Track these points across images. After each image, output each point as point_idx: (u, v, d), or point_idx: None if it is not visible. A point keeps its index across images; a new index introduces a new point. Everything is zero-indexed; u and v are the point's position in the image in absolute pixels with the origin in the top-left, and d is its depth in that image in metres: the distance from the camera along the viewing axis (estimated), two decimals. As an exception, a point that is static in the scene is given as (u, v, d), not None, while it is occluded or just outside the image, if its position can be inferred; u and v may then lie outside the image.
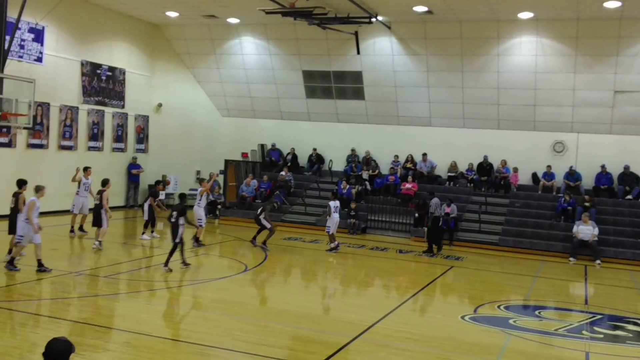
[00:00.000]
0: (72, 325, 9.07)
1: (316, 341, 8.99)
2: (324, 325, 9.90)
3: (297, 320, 10.22)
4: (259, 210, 17.33)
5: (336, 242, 17.37)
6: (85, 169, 17.41)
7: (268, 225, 17.02)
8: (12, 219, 12.95)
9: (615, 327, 11.22)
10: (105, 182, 15.75)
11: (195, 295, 11.74)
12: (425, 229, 19.04)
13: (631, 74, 20.25)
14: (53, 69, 20.88)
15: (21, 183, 13.27)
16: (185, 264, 13.44)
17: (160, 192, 24.20)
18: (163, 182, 20.03)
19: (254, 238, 17.24)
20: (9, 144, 19.56)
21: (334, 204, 17.43)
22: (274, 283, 13.85)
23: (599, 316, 11.71)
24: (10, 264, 12.15)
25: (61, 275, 12.14)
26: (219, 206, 23.32)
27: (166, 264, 13.11)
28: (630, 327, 11.11)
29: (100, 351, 7.94)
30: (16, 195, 13.04)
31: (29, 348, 7.93)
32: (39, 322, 9.29)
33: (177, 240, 13.19)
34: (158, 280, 12.80)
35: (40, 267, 12.13)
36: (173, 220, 13.26)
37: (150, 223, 17.44)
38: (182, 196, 14.46)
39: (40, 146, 20.76)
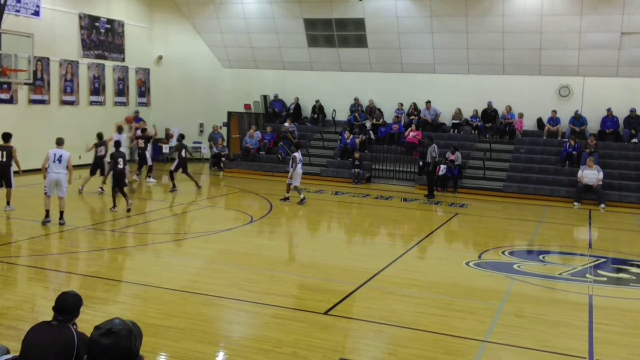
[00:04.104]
0: (82, 279, 9.21)
1: (323, 289, 9.11)
2: (330, 274, 10.01)
3: (303, 270, 10.35)
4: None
5: (302, 195, 16.56)
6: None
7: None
8: (5, 172, 13.40)
9: (619, 270, 11.33)
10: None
11: (202, 247, 11.85)
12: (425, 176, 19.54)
13: (639, 15, 19.83)
14: (51, 22, 20.57)
15: (7, 136, 13.63)
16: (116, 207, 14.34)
17: (164, 145, 24.34)
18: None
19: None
20: (10, 100, 19.46)
21: (299, 155, 16.85)
22: (280, 233, 13.97)
23: (602, 259, 11.80)
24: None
25: (69, 230, 12.26)
26: (223, 158, 23.35)
27: (115, 205, 14.27)
28: (634, 269, 11.21)
29: (110, 303, 8.07)
30: (8, 149, 13.28)
31: (40, 302, 8.08)
32: (49, 276, 9.42)
33: (126, 184, 14.52)
34: (165, 232, 12.93)
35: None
36: (120, 167, 14.05)
37: (139, 167, 18.65)
38: (118, 144, 15.00)
39: (42, 102, 20.65)
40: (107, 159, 16.56)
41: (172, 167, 17.94)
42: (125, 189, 14.52)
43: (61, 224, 12.43)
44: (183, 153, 18.05)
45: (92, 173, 16.94)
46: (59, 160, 12.52)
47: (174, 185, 17.68)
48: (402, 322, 7.71)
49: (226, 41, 25.46)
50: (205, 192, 18.56)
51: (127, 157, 17.77)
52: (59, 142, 12.96)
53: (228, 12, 24.67)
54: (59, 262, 10.27)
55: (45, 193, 12.59)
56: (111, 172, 14.51)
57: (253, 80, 25.55)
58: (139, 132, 19.89)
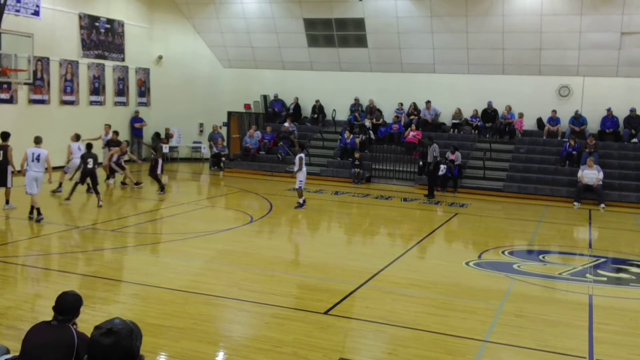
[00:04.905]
0: (82, 279, 9.20)
1: (323, 289, 9.10)
2: (330, 274, 10.01)
3: (303, 270, 10.35)
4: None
5: (303, 198, 16.12)
6: None
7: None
8: (2, 171, 13.39)
9: (619, 270, 11.34)
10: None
11: (202, 247, 11.85)
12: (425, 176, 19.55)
13: (639, 15, 19.83)
14: (51, 22, 20.57)
15: (6, 135, 13.64)
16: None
17: (164, 145, 24.30)
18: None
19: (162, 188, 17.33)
20: (10, 100, 19.45)
21: (304, 156, 16.56)
22: (280, 233, 13.97)
23: (602, 259, 11.80)
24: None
25: (68, 229, 12.26)
26: (223, 158, 23.35)
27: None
28: (634, 269, 11.21)
29: (110, 303, 8.07)
30: (4, 148, 13.29)
31: (40, 302, 8.08)
32: (49, 276, 9.42)
33: (98, 183, 15.01)
34: (164, 232, 12.92)
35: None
36: (90, 166, 14.65)
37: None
38: (89, 146, 15.23)
39: (42, 101, 20.65)
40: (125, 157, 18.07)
41: (158, 169, 17.17)
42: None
43: (39, 221, 12.58)
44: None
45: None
46: (37, 159, 12.89)
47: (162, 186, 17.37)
48: (402, 322, 7.71)
49: (226, 41, 25.46)
50: (205, 192, 18.54)
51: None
52: (37, 141, 13.25)
53: (228, 12, 24.67)
54: (59, 261, 10.26)
55: (27, 192, 12.83)
56: (80, 171, 15.02)
57: (253, 80, 25.56)
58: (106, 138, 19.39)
